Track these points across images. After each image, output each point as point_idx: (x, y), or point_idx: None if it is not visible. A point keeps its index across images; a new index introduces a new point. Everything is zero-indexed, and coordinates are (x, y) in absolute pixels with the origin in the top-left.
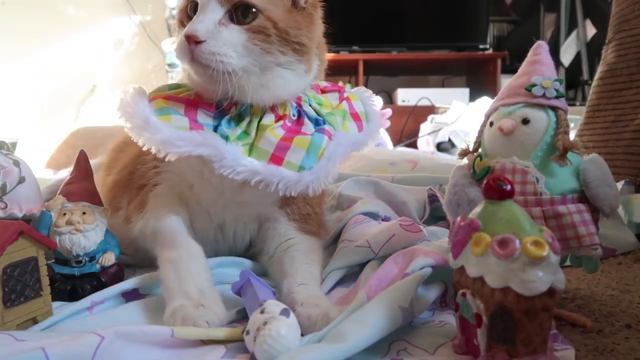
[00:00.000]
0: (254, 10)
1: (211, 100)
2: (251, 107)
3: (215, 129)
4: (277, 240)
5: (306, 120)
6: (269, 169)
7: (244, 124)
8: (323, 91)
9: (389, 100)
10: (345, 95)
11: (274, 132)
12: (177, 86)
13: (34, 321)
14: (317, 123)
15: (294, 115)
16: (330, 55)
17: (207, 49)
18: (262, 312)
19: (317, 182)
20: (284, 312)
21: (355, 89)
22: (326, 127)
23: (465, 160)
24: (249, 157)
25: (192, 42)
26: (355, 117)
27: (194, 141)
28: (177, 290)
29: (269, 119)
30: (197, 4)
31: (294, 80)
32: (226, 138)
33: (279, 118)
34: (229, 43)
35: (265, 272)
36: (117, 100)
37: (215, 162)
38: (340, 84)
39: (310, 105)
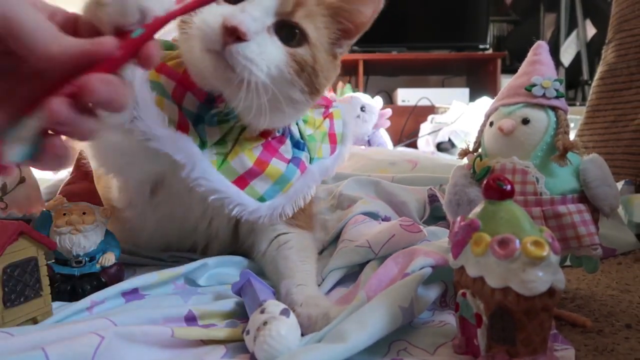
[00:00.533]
0: (301, 37)
1: (203, 87)
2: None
3: (196, 121)
4: (267, 236)
5: (288, 140)
6: (231, 190)
7: (226, 126)
8: None
9: (389, 100)
10: (330, 110)
11: (252, 152)
12: (170, 46)
13: (34, 321)
14: (297, 145)
15: (278, 132)
16: None
17: (245, 53)
18: (262, 312)
19: (269, 218)
20: (284, 312)
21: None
22: (303, 156)
23: (465, 160)
24: (217, 170)
25: (231, 35)
26: (332, 138)
27: (177, 146)
28: None
29: (252, 131)
30: None
31: (292, 117)
32: (204, 144)
33: (262, 134)
34: (267, 56)
35: (263, 271)
36: None
37: (185, 170)
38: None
39: (297, 124)
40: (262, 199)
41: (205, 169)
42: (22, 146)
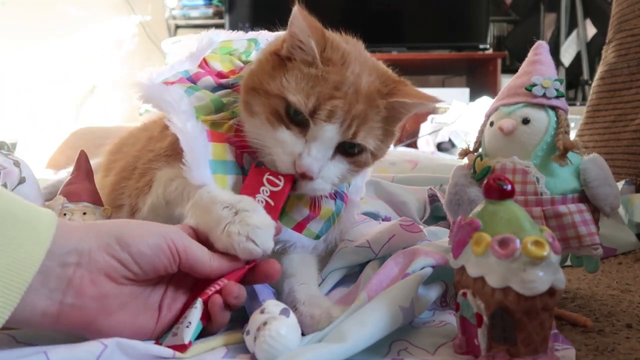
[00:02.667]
0: (362, 149)
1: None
2: None
3: None
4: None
5: None
6: (293, 237)
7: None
8: None
9: None
10: None
11: (306, 199)
12: (220, 105)
13: None
14: None
15: None
16: None
17: (312, 187)
18: (262, 312)
19: (325, 250)
20: (284, 312)
21: None
22: (344, 187)
23: (465, 160)
24: (278, 222)
25: (302, 176)
26: None
27: None
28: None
29: None
30: (298, 111)
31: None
32: None
33: None
34: (331, 177)
35: None
36: (176, 129)
37: None
38: None
39: None
40: (317, 237)
41: None
42: (195, 328)
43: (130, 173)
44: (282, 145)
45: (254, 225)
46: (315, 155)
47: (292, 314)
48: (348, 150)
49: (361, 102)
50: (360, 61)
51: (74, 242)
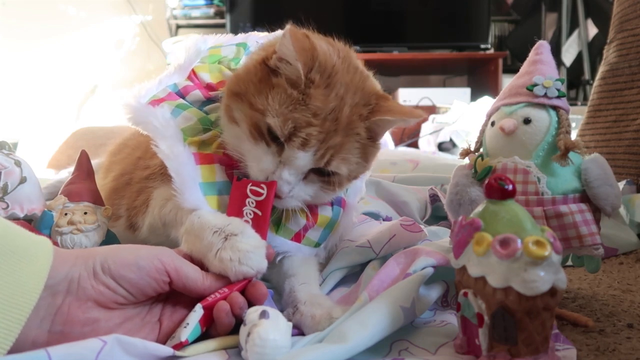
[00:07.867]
0: (334, 172)
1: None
2: None
3: None
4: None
5: None
6: (292, 247)
7: None
8: None
9: None
10: None
11: (302, 210)
12: (209, 123)
13: None
14: None
15: None
16: None
17: (282, 204)
18: (244, 324)
19: (326, 256)
20: (263, 315)
21: None
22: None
23: (466, 160)
24: (276, 234)
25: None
26: None
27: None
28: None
29: None
30: (274, 133)
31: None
32: None
33: None
34: (302, 195)
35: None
36: (162, 155)
37: None
38: None
39: None
40: (317, 245)
41: (271, 240)
42: (193, 329)
43: (126, 186)
44: (257, 161)
45: (244, 250)
46: (287, 178)
47: (272, 313)
48: (321, 171)
49: (340, 132)
50: (347, 80)
51: (65, 270)
